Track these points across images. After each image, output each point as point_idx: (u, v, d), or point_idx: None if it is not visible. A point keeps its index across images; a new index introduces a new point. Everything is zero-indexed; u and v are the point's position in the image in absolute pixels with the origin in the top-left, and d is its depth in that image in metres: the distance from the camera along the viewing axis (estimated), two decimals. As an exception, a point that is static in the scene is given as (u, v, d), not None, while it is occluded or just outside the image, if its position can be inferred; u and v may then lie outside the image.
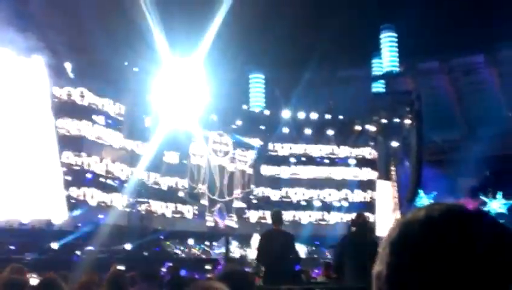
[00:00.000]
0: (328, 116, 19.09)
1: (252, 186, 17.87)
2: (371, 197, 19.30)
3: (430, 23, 19.27)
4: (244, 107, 19.20)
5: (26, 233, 11.38)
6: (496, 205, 19.62)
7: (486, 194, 19.45)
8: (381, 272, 0.86)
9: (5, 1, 11.31)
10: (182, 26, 14.31)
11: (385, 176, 19.64)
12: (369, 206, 18.76)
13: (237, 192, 17.46)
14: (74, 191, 13.00)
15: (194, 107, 15.13)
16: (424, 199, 20.21)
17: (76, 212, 12.67)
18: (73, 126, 13.31)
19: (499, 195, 19.50)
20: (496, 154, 16.85)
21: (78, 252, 11.59)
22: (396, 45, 23.19)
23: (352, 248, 6.74)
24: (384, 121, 19.60)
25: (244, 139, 17.59)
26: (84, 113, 13.64)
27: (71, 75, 13.20)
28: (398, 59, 23.16)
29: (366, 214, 10.01)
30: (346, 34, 19.70)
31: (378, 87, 23.62)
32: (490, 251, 0.80)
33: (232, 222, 16.97)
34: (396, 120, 19.52)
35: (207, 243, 15.47)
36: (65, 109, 13.22)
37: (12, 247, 10.96)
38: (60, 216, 12.17)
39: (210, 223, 16.38)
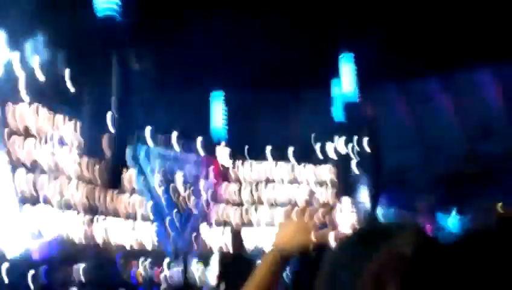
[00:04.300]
0: (288, 137, 19.27)
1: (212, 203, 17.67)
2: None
3: (388, 50, 19.88)
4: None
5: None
6: (451, 221, 20.39)
7: (442, 211, 20.33)
8: None
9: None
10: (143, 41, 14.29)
11: (345, 197, 19.85)
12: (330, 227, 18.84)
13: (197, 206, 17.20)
14: (27, 216, 12.44)
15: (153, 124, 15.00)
16: (383, 219, 20.51)
17: (29, 234, 12.16)
18: (26, 146, 12.80)
19: (454, 211, 20.40)
20: (450, 174, 17.57)
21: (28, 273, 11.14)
22: (356, 72, 23.70)
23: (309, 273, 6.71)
24: (343, 144, 20.01)
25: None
26: (38, 132, 13.21)
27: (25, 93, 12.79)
28: (357, 85, 23.65)
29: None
30: (308, 58, 20.10)
31: (338, 111, 24.01)
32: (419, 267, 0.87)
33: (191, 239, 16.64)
34: (355, 143, 20.01)
35: (166, 262, 15.14)
36: (18, 128, 12.73)
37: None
38: (13, 248, 11.52)
39: (171, 241, 16.00)
